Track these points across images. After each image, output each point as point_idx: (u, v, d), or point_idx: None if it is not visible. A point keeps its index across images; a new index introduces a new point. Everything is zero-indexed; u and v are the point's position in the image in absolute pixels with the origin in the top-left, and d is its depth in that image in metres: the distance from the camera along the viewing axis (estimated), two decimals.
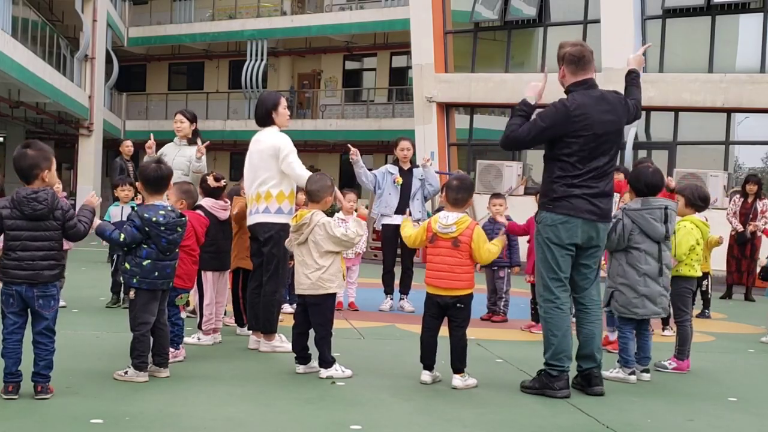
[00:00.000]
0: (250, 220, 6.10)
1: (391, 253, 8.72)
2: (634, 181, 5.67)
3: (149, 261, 4.87)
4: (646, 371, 5.67)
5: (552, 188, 5.08)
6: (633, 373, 5.56)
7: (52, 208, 4.36)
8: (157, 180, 5.05)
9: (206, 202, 6.33)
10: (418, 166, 8.89)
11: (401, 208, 8.48)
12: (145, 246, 4.87)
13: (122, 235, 4.82)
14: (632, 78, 5.45)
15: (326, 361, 5.25)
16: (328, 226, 5.28)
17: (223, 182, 6.51)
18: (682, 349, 6.00)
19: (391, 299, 8.70)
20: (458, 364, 5.14)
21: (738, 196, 11.53)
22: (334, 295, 5.38)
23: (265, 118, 6.17)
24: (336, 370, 5.23)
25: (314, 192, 5.44)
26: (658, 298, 5.54)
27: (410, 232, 5.37)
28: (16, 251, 4.32)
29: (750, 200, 11.27)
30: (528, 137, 5.11)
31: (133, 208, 5.00)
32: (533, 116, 5.16)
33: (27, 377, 4.41)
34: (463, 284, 5.11)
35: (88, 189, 25.24)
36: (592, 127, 5.02)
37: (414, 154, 9.08)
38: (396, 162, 8.76)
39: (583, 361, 5.18)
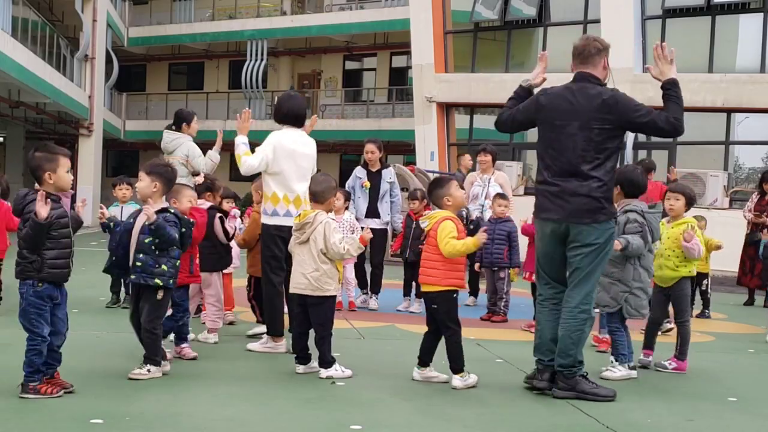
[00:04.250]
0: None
1: (379, 253, 8.68)
2: (628, 183, 5.61)
3: (179, 261, 5.02)
4: (633, 368, 5.71)
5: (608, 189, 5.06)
6: (634, 368, 5.60)
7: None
8: (173, 183, 5.17)
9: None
10: (388, 167, 8.85)
11: (371, 212, 8.51)
12: (175, 247, 4.96)
13: (176, 235, 4.92)
14: (666, 91, 5.05)
15: (326, 362, 5.25)
16: (327, 228, 5.28)
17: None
18: (683, 350, 6.00)
19: (366, 296, 8.73)
20: (453, 364, 5.15)
21: (756, 193, 11.36)
22: (333, 296, 5.38)
23: (302, 120, 6.11)
24: (336, 371, 5.23)
25: (319, 193, 5.43)
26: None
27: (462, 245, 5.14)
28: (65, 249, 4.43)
29: (767, 197, 11.03)
30: (509, 120, 5.25)
31: (168, 210, 5.02)
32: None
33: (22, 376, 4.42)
34: (430, 279, 5.12)
35: (88, 189, 25.27)
36: (552, 117, 5.03)
37: (414, 159, 9.12)
38: (365, 165, 8.72)
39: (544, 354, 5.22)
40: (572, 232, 4.99)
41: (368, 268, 8.76)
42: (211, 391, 4.75)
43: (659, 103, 5.06)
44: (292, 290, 5.40)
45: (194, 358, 5.58)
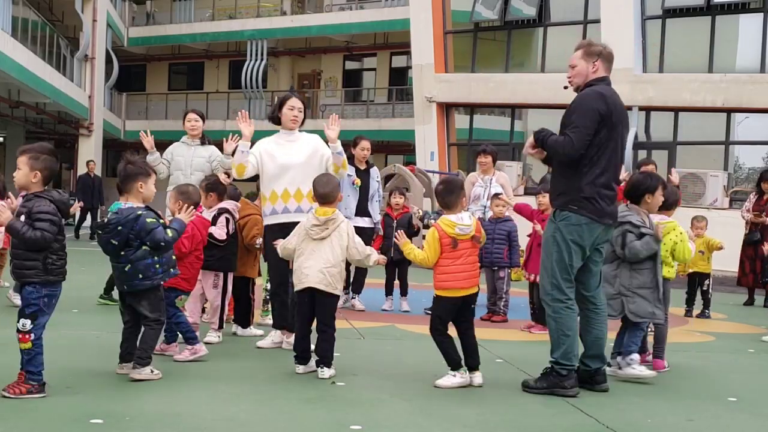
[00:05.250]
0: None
1: None
2: (632, 191, 5.63)
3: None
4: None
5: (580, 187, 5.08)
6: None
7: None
8: (123, 179, 4.98)
9: (230, 204, 6.42)
10: (373, 166, 8.76)
11: (360, 210, 8.39)
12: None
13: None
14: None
15: (329, 361, 5.24)
16: (351, 229, 5.39)
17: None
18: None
19: (347, 295, 8.66)
20: (478, 360, 5.23)
21: (754, 193, 11.36)
22: (338, 297, 5.40)
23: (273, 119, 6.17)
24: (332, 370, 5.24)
25: (329, 194, 5.38)
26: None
27: (422, 255, 5.19)
28: (64, 250, 4.44)
29: (766, 197, 11.01)
30: (586, 137, 4.97)
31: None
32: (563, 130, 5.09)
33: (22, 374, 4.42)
34: (478, 280, 5.29)
35: None
36: (619, 121, 5.09)
37: (414, 159, 9.07)
38: (350, 162, 8.41)
39: (592, 360, 5.21)
40: (604, 235, 5.15)
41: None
42: (211, 391, 4.75)
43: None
44: (306, 285, 5.29)
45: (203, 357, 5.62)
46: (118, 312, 7.46)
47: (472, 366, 5.19)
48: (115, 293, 8.16)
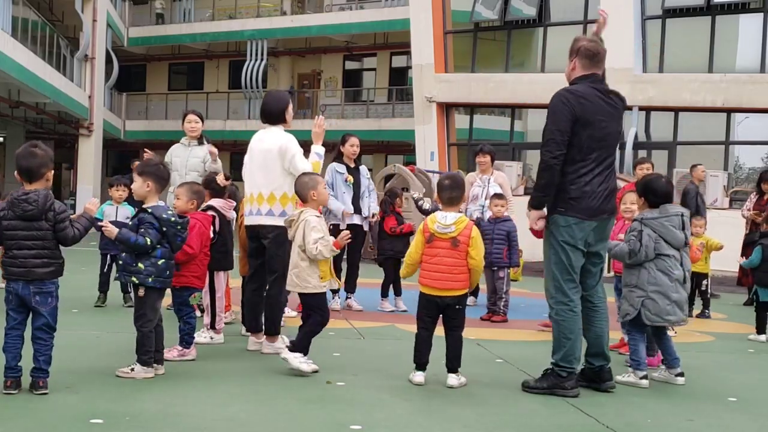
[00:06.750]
0: (251, 221, 6.01)
1: (357, 251, 8.63)
2: (650, 194, 5.49)
3: (164, 260, 4.96)
4: (681, 375, 5.53)
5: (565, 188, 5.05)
6: (645, 377, 5.42)
7: (44, 210, 4.43)
8: (166, 180, 5.20)
9: (217, 202, 6.38)
10: (361, 163, 8.72)
11: (355, 207, 8.37)
12: (159, 246, 4.94)
13: (148, 239, 4.88)
14: None
15: (301, 349, 5.32)
16: (307, 227, 5.29)
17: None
18: (651, 346, 5.97)
19: (345, 297, 8.65)
20: (456, 364, 5.16)
21: (754, 193, 11.36)
22: (316, 293, 5.37)
23: (278, 116, 6.10)
24: (299, 361, 5.27)
25: (297, 192, 5.57)
26: (684, 304, 5.48)
27: (409, 249, 5.25)
28: (12, 250, 4.45)
29: (766, 197, 11.00)
30: (562, 144, 4.98)
31: (146, 210, 4.98)
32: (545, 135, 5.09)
33: (26, 377, 4.43)
34: (460, 285, 5.10)
35: (88, 189, 25.27)
36: (596, 117, 5.02)
37: (414, 159, 9.04)
38: (340, 160, 8.45)
39: (595, 359, 5.21)
40: (601, 229, 5.14)
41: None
42: (211, 391, 4.75)
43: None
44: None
45: (193, 359, 5.60)
46: (118, 312, 7.51)
47: (448, 368, 5.18)
48: (117, 295, 8.17)
